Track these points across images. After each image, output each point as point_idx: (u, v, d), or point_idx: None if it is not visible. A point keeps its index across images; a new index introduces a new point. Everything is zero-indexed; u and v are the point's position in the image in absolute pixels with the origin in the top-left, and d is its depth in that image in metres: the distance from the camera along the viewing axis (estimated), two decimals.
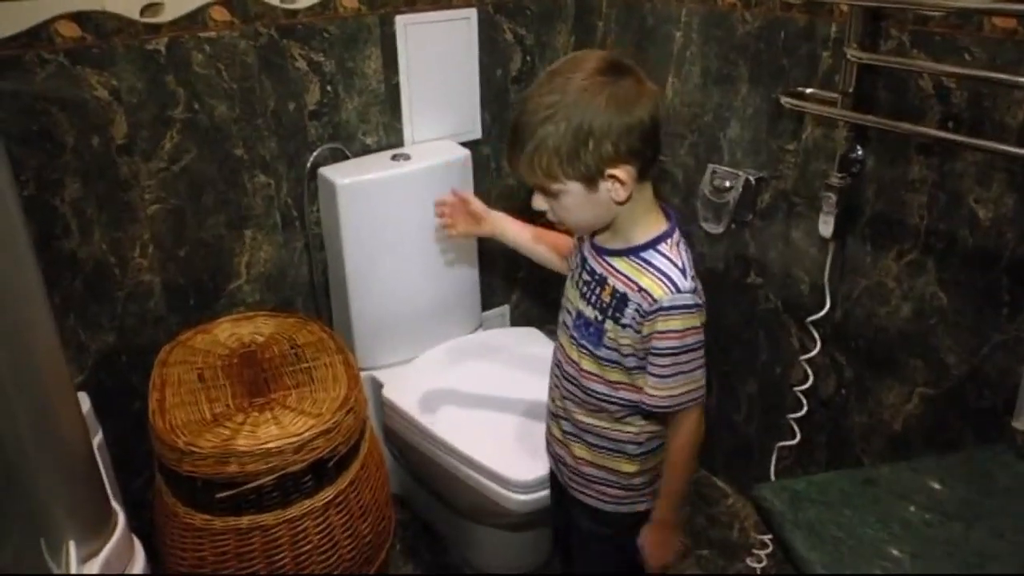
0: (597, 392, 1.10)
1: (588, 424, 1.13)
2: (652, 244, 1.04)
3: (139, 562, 0.87)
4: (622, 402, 1.09)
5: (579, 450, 1.16)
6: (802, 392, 1.59)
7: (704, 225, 1.71)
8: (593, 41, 1.92)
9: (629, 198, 0.99)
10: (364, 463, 1.40)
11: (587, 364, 1.09)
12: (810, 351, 1.56)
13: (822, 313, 1.52)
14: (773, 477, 1.68)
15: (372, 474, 1.42)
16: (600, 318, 1.05)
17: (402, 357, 1.77)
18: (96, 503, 0.84)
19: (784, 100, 1.46)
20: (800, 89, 1.47)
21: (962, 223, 1.29)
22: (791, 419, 1.62)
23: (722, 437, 1.89)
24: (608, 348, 1.06)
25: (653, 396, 1.05)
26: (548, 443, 1.26)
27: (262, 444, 1.23)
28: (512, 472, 1.38)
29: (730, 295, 1.76)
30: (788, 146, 1.54)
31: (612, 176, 0.97)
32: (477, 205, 1.34)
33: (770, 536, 1.64)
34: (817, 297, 1.54)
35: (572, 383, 1.13)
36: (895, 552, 0.78)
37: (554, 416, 1.21)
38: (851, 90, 1.35)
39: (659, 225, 1.05)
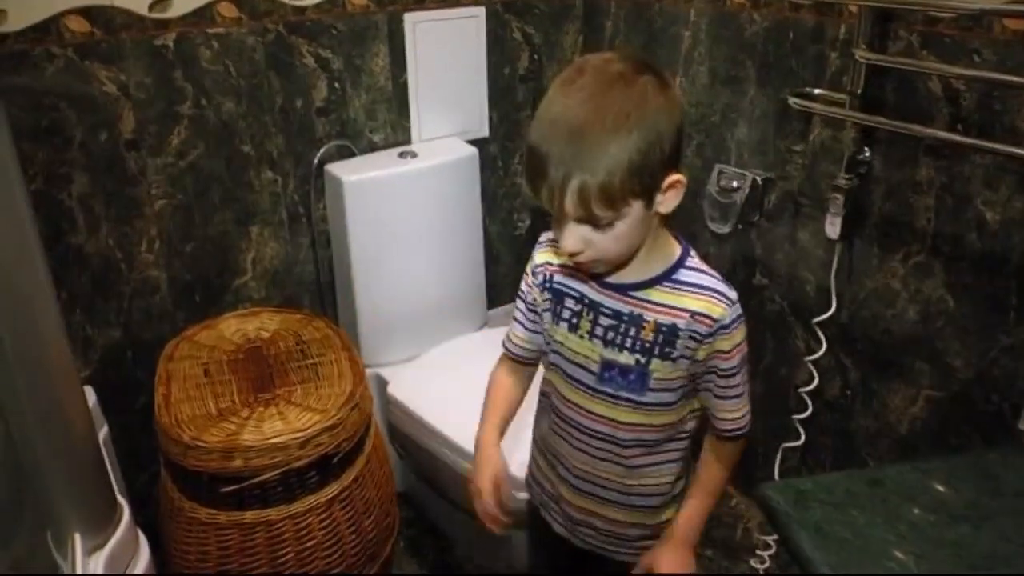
0: (644, 440, 0.99)
1: (631, 485, 1.02)
2: (679, 265, 0.94)
3: (144, 556, 0.87)
4: (664, 440, 1.01)
5: (617, 513, 1.05)
6: (807, 393, 1.59)
7: (710, 225, 1.71)
8: (601, 40, 1.92)
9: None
10: (368, 460, 1.40)
11: (626, 416, 0.97)
12: (815, 352, 1.56)
13: (828, 314, 1.52)
14: (777, 478, 1.68)
15: (376, 471, 1.43)
16: (643, 360, 0.94)
17: (407, 354, 1.77)
18: (102, 497, 0.84)
19: (792, 101, 1.46)
20: (808, 90, 1.46)
21: (970, 226, 1.29)
22: (796, 420, 1.62)
23: None
24: (656, 391, 0.96)
25: (735, 419, 0.98)
26: (562, 515, 1.10)
27: (267, 439, 1.24)
28: (517, 470, 1.38)
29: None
30: (795, 147, 1.54)
31: (673, 184, 0.87)
32: (505, 473, 1.05)
33: (774, 537, 1.64)
34: (823, 298, 1.54)
35: (604, 440, 1.00)
36: (901, 554, 0.77)
37: (574, 487, 1.05)
38: (859, 91, 1.35)
39: (675, 246, 0.96)
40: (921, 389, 1.43)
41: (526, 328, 1.06)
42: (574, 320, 0.98)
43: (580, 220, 0.85)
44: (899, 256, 1.41)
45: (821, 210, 1.49)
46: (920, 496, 0.85)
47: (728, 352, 0.94)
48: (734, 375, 0.96)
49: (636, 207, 0.85)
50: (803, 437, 1.63)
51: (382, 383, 1.71)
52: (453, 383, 1.64)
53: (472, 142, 1.83)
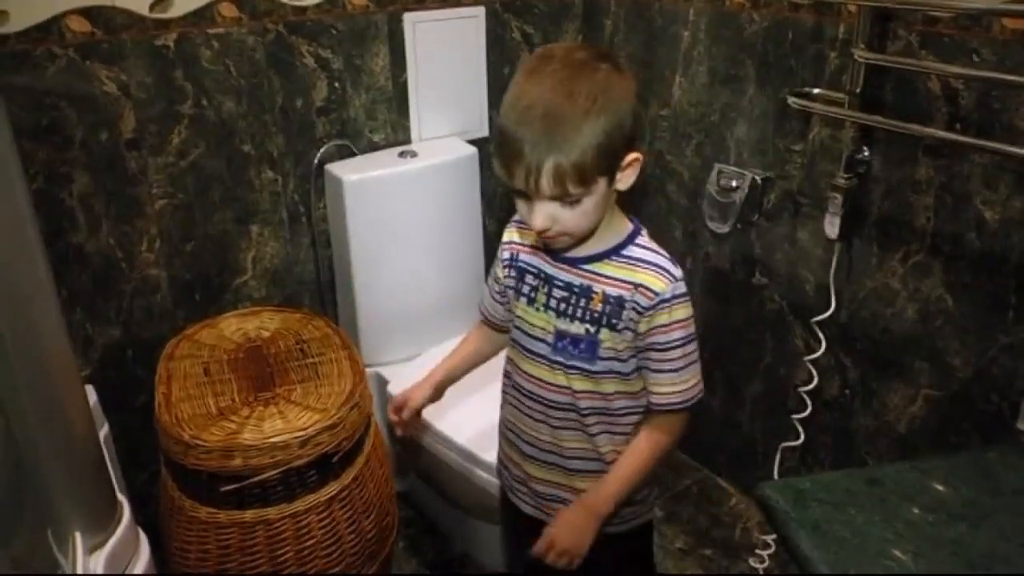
0: (599, 409, 1.03)
1: (592, 451, 1.05)
2: (629, 241, 0.99)
3: (144, 555, 0.87)
4: (621, 412, 1.03)
5: (583, 483, 1.06)
6: (806, 393, 1.59)
7: (710, 225, 1.71)
8: (601, 40, 1.92)
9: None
10: (368, 459, 1.40)
11: (580, 384, 1.02)
12: (815, 352, 1.56)
13: (827, 314, 1.52)
14: (776, 478, 1.68)
15: (376, 470, 1.43)
16: (593, 330, 0.99)
17: (407, 354, 1.77)
18: (102, 496, 0.84)
19: (791, 100, 1.46)
20: (807, 89, 1.47)
21: (969, 225, 1.29)
22: (795, 420, 1.62)
23: (726, 437, 1.88)
24: (605, 360, 1.00)
25: (668, 394, 1.00)
26: (530, 494, 1.12)
27: (267, 438, 1.24)
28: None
29: (735, 295, 1.76)
30: (795, 146, 1.54)
31: (631, 162, 0.93)
32: (420, 402, 1.16)
33: (773, 536, 1.64)
34: (822, 298, 1.54)
35: (564, 410, 1.04)
36: (900, 552, 0.78)
37: (538, 460, 1.08)
38: (858, 91, 1.35)
39: (627, 223, 1.01)
40: (920, 388, 1.43)
41: (491, 296, 1.14)
42: (532, 294, 1.05)
43: (552, 198, 0.90)
44: (898, 255, 1.41)
45: (820, 209, 1.49)
46: (919, 495, 0.85)
47: (666, 326, 0.97)
48: (672, 349, 0.98)
49: (601, 184, 0.91)
50: (802, 437, 1.63)
51: (382, 382, 1.71)
52: None
53: (472, 142, 1.83)
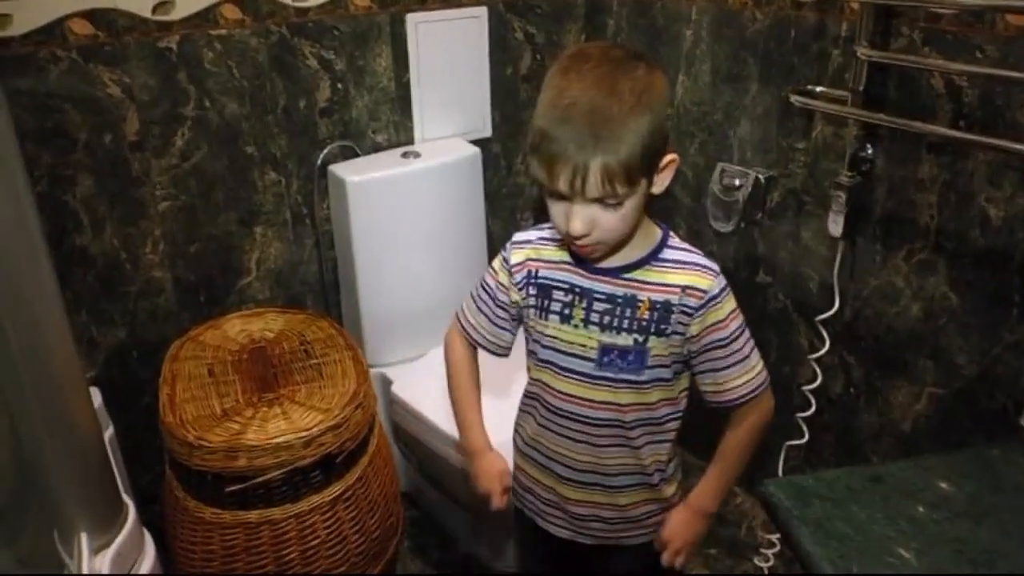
0: (645, 419, 1.01)
1: (636, 466, 1.04)
2: (663, 244, 0.98)
3: (149, 555, 0.88)
4: (664, 419, 1.02)
5: (624, 498, 1.06)
6: (811, 391, 1.59)
7: (713, 224, 1.71)
8: (604, 39, 1.92)
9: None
10: (372, 459, 1.40)
11: (626, 397, 0.99)
12: (819, 350, 1.56)
13: (831, 312, 1.52)
14: (781, 476, 1.68)
15: (380, 470, 1.43)
16: (642, 339, 0.96)
17: (411, 354, 1.77)
18: (108, 496, 0.84)
19: (794, 98, 1.46)
20: (810, 87, 1.46)
21: (973, 223, 1.29)
22: (799, 418, 1.62)
23: None
24: (651, 368, 0.98)
25: (744, 384, 0.98)
26: (564, 517, 1.09)
27: (271, 439, 1.24)
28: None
29: (739, 294, 1.74)
30: (798, 145, 1.54)
31: (668, 163, 0.91)
32: (507, 466, 1.11)
33: (778, 536, 1.64)
34: (826, 296, 1.54)
35: (608, 426, 1.01)
36: (902, 550, 0.77)
37: (577, 483, 1.06)
38: (861, 88, 1.35)
39: (657, 228, 1.00)
40: (924, 386, 1.43)
41: (492, 323, 1.08)
42: (566, 311, 0.99)
43: (597, 199, 0.87)
44: (902, 253, 1.41)
45: (824, 208, 1.49)
46: (921, 492, 0.85)
47: (722, 321, 0.96)
48: (734, 341, 0.98)
49: (643, 184, 0.89)
50: (807, 435, 1.62)
51: (386, 383, 1.71)
52: None
53: (475, 142, 1.84)
